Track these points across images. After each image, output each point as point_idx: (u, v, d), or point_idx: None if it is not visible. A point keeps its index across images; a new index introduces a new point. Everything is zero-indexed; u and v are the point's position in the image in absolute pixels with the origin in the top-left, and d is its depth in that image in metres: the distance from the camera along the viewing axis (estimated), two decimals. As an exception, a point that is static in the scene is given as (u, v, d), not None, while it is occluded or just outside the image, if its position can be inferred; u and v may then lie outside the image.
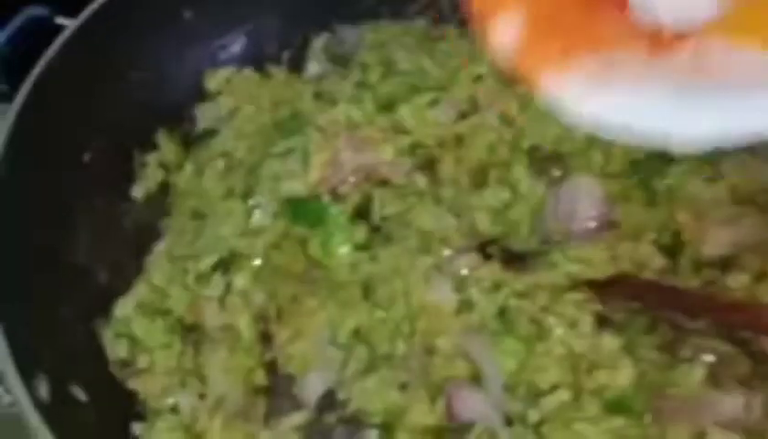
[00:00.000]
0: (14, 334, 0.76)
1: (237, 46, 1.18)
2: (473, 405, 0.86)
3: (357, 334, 0.94)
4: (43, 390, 0.77)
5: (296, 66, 1.19)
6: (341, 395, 0.92)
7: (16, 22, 1.25)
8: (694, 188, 0.97)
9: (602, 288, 0.91)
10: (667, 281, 0.91)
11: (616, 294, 0.91)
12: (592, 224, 0.99)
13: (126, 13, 1.05)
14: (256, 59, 1.18)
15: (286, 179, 0.99)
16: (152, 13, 1.08)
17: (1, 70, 1.26)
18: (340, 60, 1.17)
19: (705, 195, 0.97)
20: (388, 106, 1.04)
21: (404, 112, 1.03)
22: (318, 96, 1.08)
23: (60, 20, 1.24)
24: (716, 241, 0.94)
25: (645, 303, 0.90)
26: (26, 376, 0.74)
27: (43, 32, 1.22)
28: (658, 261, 0.91)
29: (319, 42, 1.20)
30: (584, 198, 1.01)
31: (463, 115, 1.05)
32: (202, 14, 1.12)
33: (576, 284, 0.92)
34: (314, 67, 1.19)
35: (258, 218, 0.98)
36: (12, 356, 0.74)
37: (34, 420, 0.72)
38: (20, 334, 0.77)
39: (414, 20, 1.22)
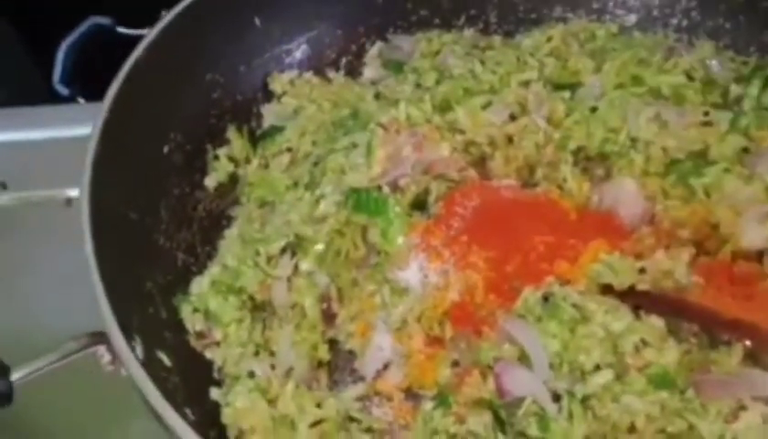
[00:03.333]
0: (114, 301, 0.84)
1: (300, 51, 1.27)
2: (521, 382, 0.92)
3: (410, 316, 1.01)
4: (139, 350, 0.85)
5: (352, 71, 1.29)
6: (397, 370, 0.99)
7: (81, 29, 1.34)
8: (731, 187, 1.04)
9: (620, 294, 0.97)
10: (677, 295, 0.96)
11: (631, 301, 0.96)
12: (633, 220, 1.06)
13: (203, 19, 1.14)
14: (317, 64, 1.27)
15: (350, 172, 1.07)
16: (226, 20, 1.18)
17: (64, 75, 1.35)
18: (394, 66, 1.25)
19: (741, 193, 1.03)
20: (444, 107, 1.12)
21: (459, 113, 1.11)
22: (379, 97, 1.17)
23: (122, 30, 1.34)
24: (753, 235, 1.01)
25: (658, 313, 0.94)
26: (127, 335, 0.82)
27: (105, 41, 1.32)
28: (683, 273, 0.96)
29: (375, 49, 1.29)
30: (625, 197, 1.08)
31: (512, 117, 1.13)
32: (270, 22, 1.22)
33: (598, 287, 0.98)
34: (369, 72, 1.28)
35: (323, 206, 1.06)
36: (115, 317, 0.82)
37: (138, 374, 0.79)
38: (118, 303, 0.85)
39: (463, 30, 1.31)
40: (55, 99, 1.37)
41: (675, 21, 1.28)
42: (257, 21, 1.21)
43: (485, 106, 1.12)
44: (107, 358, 0.82)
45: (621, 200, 1.07)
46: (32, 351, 0.83)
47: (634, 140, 1.09)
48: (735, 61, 1.21)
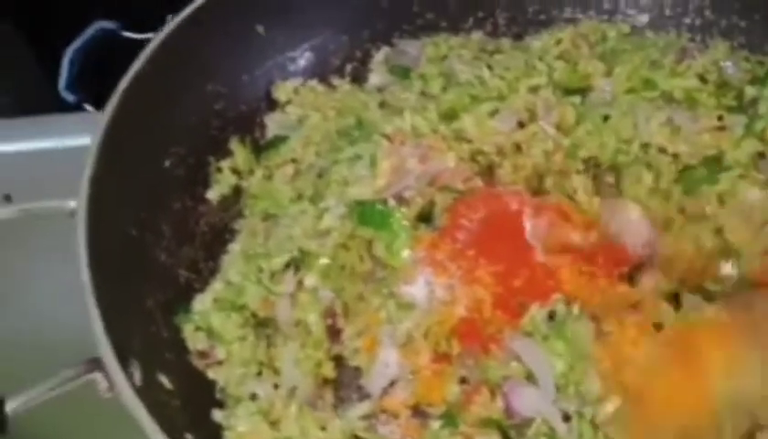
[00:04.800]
0: (110, 321, 0.83)
1: (304, 59, 1.24)
2: (530, 402, 0.90)
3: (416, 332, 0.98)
4: (137, 376, 0.83)
5: (358, 77, 1.26)
6: (404, 387, 0.97)
7: (86, 35, 1.33)
8: (745, 193, 1.00)
9: None
10: None
11: None
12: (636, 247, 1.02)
13: (204, 28, 1.13)
14: (321, 71, 1.25)
15: (354, 184, 1.05)
16: (228, 28, 1.16)
17: (71, 81, 1.34)
18: (400, 72, 1.22)
19: (756, 199, 1.00)
20: (450, 115, 1.10)
21: (466, 121, 1.09)
22: (383, 105, 1.14)
23: (128, 34, 1.32)
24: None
25: None
26: (123, 362, 0.81)
27: (111, 45, 1.30)
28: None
29: (381, 55, 1.26)
30: (630, 225, 1.04)
31: (521, 124, 1.10)
32: (273, 29, 1.20)
33: None
34: (375, 78, 1.25)
35: (327, 219, 1.04)
36: (110, 342, 0.80)
37: (133, 403, 0.78)
38: (115, 322, 0.84)
39: (471, 33, 1.28)
40: (62, 106, 1.35)
41: (688, 20, 1.25)
42: (259, 29, 1.19)
43: (493, 113, 1.10)
44: (104, 384, 0.81)
45: (626, 228, 1.04)
46: (32, 369, 0.81)
47: (645, 146, 1.07)
48: (750, 61, 1.18)
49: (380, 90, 1.22)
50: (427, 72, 1.19)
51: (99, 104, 1.29)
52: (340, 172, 1.07)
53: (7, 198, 1.07)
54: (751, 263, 0.97)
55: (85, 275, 0.83)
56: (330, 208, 1.04)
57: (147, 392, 0.83)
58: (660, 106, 1.09)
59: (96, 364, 0.81)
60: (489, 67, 1.16)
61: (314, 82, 1.23)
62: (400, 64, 1.24)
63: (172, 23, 1.10)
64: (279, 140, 1.17)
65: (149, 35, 1.11)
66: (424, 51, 1.24)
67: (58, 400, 0.81)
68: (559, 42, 1.21)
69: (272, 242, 1.05)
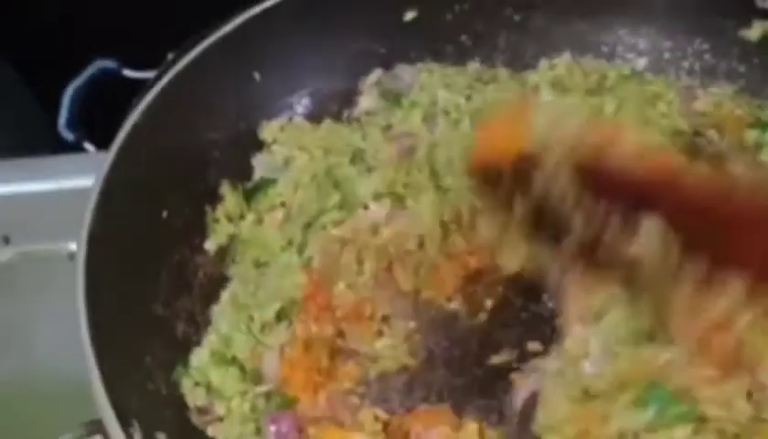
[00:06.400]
0: (110, 382, 0.81)
1: (301, 105, 1.23)
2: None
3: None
4: (137, 437, 0.82)
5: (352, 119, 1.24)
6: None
7: (87, 73, 1.32)
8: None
9: None
10: None
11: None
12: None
13: (202, 76, 1.11)
14: (318, 116, 1.23)
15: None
16: (224, 75, 1.15)
17: (70, 120, 1.33)
18: (392, 98, 1.22)
19: None
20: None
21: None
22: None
23: (128, 73, 1.32)
24: None
25: None
26: (124, 424, 0.79)
27: (111, 84, 1.30)
28: None
29: (373, 76, 1.24)
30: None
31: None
32: (269, 74, 1.19)
33: None
34: (365, 102, 1.23)
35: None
36: (111, 403, 0.79)
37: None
38: (115, 382, 0.82)
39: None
40: (61, 144, 1.34)
41: (687, 64, 1.24)
42: (256, 75, 1.19)
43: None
44: (103, 447, 0.79)
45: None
46: (32, 422, 0.79)
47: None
48: (751, 106, 1.18)
49: (369, 114, 1.21)
50: (418, 100, 1.19)
51: (98, 143, 1.30)
52: (325, 220, 1.07)
53: (6, 241, 1.06)
54: None
55: (84, 335, 0.81)
56: (312, 258, 1.03)
57: (147, 455, 0.81)
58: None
59: (96, 426, 0.79)
60: (468, 97, 1.17)
61: (299, 119, 1.22)
62: (393, 89, 1.23)
63: (170, 72, 1.09)
64: (267, 183, 1.15)
65: (149, 73, 1.10)
66: (418, 78, 1.23)
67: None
68: (553, 68, 1.22)
69: (262, 292, 1.03)
